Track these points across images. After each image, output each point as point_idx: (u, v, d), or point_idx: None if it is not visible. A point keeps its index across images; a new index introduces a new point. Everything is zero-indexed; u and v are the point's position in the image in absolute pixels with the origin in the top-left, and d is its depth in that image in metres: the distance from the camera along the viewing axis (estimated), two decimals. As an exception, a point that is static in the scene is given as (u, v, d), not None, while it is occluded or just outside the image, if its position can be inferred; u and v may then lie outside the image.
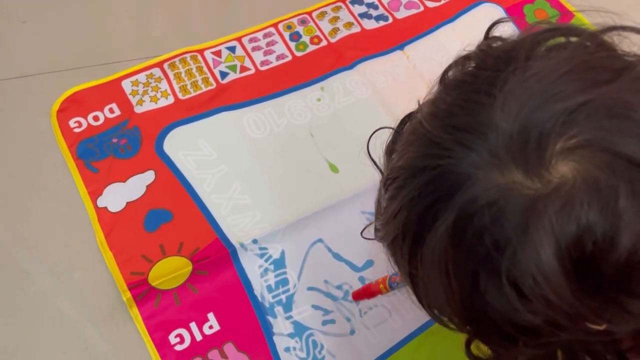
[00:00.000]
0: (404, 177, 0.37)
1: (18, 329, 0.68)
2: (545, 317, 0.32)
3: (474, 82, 0.36)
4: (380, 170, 0.45)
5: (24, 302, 0.69)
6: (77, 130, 0.81)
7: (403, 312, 0.70)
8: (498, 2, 0.97)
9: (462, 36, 0.90)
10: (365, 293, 0.69)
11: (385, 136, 0.45)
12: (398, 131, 0.43)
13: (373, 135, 0.51)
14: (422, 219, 0.35)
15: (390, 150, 0.43)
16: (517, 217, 0.31)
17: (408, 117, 0.43)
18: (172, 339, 0.68)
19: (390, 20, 0.95)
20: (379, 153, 0.45)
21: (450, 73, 0.39)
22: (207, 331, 0.68)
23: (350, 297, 0.71)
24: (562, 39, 0.37)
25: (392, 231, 0.38)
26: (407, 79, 0.87)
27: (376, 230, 0.42)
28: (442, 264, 0.34)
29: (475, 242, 0.32)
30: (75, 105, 0.83)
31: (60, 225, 0.74)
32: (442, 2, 0.97)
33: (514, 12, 0.96)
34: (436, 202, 0.34)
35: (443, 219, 0.33)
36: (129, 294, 0.69)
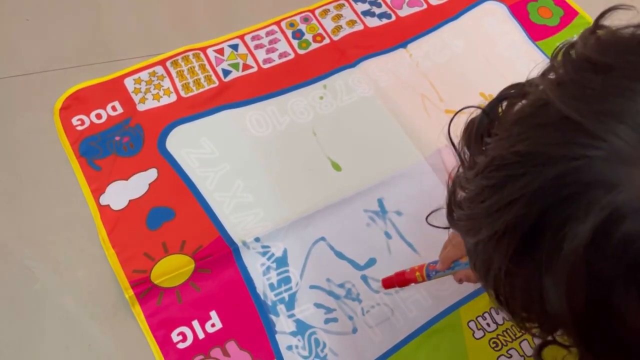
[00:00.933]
0: (523, 165, 0.32)
1: (21, 326, 0.68)
2: None
3: (625, 68, 0.33)
4: (460, 155, 0.41)
5: (27, 299, 0.69)
6: (79, 128, 0.81)
7: (405, 310, 0.70)
8: (501, 0, 0.96)
9: (465, 34, 0.91)
10: (398, 280, 0.64)
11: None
12: (488, 112, 0.39)
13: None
14: (546, 215, 0.31)
15: (481, 133, 0.39)
16: None
17: (505, 97, 0.39)
18: (175, 337, 0.68)
19: (393, 18, 0.94)
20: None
21: (574, 52, 0.35)
22: (210, 329, 0.68)
23: (379, 286, 0.68)
24: None
25: (494, 225, 0.34)
26: (410, 77, 0.87)
27: (453, 219, 0.39)
28: (572, 269, 0.31)
29: (622, 249, 0.29)
30: (78, 103, 0.83)
31: (63, 223, 0.74)
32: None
33: (517, 10, 0.96)
34: (572, 198, 0.30)
35: (584, 219, 0.30)
36: (131, 292, 0.69)
